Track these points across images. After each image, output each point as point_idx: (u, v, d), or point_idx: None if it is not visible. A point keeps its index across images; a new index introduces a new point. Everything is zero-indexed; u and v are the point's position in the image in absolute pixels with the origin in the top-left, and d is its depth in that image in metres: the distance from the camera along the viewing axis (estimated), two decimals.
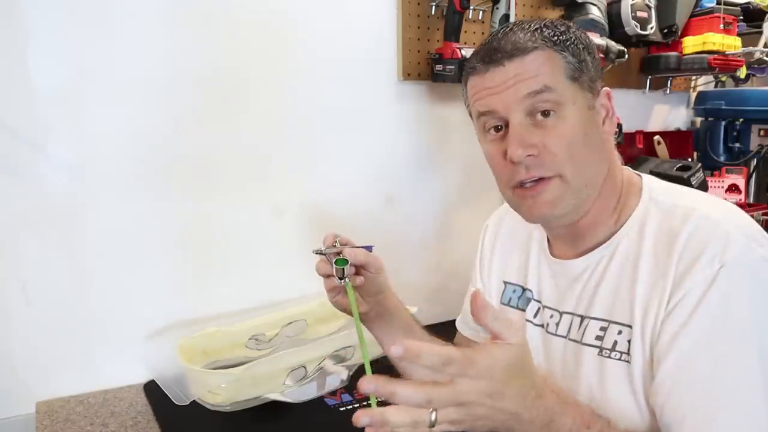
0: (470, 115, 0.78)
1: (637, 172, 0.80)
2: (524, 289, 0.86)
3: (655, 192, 0.75)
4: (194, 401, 1.00)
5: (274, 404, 1.03)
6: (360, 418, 0.51)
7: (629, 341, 0.69)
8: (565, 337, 0.78)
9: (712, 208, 0.69)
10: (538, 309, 0.83)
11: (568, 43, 0.71)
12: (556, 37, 0.71)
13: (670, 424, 0.64)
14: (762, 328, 0.63)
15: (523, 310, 0.86)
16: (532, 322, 0.84)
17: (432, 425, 0.52)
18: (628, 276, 0.71)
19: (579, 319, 0.76)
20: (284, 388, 1.04)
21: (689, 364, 0.64)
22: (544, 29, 0.71)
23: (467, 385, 0.52)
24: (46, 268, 1.09)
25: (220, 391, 0.98)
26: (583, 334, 0.75)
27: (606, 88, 0.74)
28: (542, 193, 0.71)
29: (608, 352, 0.71)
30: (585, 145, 0.70)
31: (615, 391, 0.70)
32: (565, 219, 0.74)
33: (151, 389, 1.12)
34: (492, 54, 0.71)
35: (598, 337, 0.73)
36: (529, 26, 0.72)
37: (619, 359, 0.70)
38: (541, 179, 0.71)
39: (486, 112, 0.72)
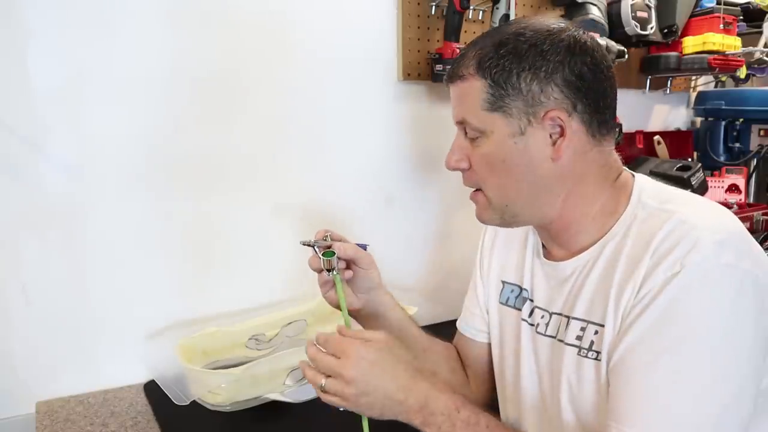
0: None
1: (632, 172, 0.79)
2: (521, 289, 0.87)
3: (645, 194, 0.74)
4: (194, 401, 1.00)
5: (274, 404, 1.03)
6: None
7: (603, 341, 0.71)
8: (554, 338, 0.79)
9: (694, 212, 0.68)
10: (532, 309, 0.84)
11: (496, 68, 0.71)
12: (488, 62, 0.71)
13: (609, 411, 0.67)
14: (710, 333, 0.63)
15: (519, 310, 0.86)
16: (527, 321, 0.85)
17: (322, 389, 0.72)
18: (607, 277, 0.72)
19: (566, 319, 0.77)
20: (284, 388, 1.04)
21: (628, 356, 0.66)
22: (487, 48, 0.72)
23: (346, 361, 0.71)
24: (46, 268, 1.09)
25: (220, 391, 0.98)
26: (566, 333, 0.76)
27: (558, 111, 0.70)
28: (475, 202, 0.80)
29: (585, 351, 0.73)
30: (504, 170, 0.74)
31: (589, 390, 0.72)
32: (501, 225, 0.81)
33: (151, 389, 1.12)
34: (449, 71, 0.78)
35: (578, 337, 0.74)
36: (477, 45, 0.74)
37: (595, 359, 0.71)
38: (474, 189, 0.79)
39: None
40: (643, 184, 0.76)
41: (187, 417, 1.00)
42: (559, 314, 0.79)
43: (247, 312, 1.26)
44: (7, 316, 1.07)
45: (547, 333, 0.80)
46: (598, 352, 0.71)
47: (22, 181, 1.05)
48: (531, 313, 0.84)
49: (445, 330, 1.00)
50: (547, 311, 0.81)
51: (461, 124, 0.76)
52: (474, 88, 0.73)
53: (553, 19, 0.75)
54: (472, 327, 0.96)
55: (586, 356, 0.72)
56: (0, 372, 1.08)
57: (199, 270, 1.22)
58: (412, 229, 1.46)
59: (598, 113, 0.73)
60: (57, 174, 1.08)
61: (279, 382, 1.04)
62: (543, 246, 0.84)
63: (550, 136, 0.72)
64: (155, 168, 1.15)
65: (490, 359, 0.94)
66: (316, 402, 1.07)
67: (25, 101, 1.04)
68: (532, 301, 0.84)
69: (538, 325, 0.82)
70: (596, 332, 0.72)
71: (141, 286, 1.16)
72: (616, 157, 0.78)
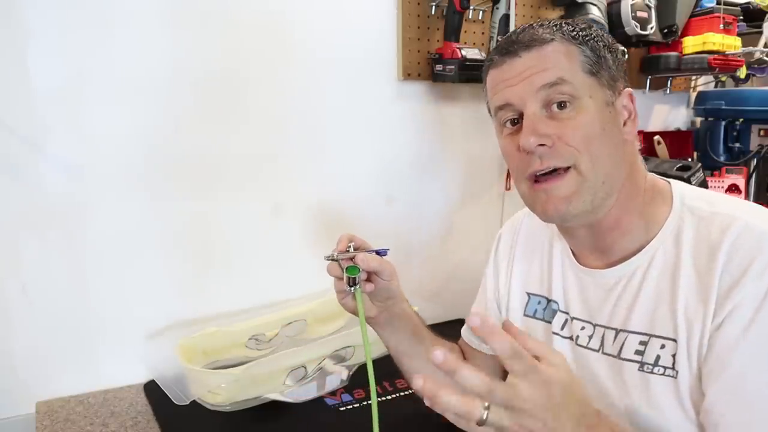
0: (489, 113, 0.77)
1: (664, 178, 0.77)
2: (549, 301, 0.83)
3: (688, 198, 0.72)
4: (194, 401, 1.00)
5: (274, 404, 1.03)
6: (416, 378, 0.50)
7: (674, 355, 0.67)
8: (598, 351, 0.75)
9: (752, 216, 0.67)
10: (566, 321, 0.80)
11: (587, 38, 0.71)
12: (575, 32, 0.71)
13: None
14: None
15: (549, 323, 0.83)
16: (559, 334, 0.81)
17: (481, 422, 0.50)
18: (667, 288, 0.69)
19: (613, 332, 0.73)
20: (284, 388, 1.04)
21: (745, 383, 0.62)
22: (564, 25, 0.72)
23: (528, 390, 0.51)
24: (46, 268, 1.09)
25: (220, 391, 0.98)
26: (621, 348, 0.72)
27: (628, 89, 0.73)
28: (557, 188, 0.69)
29: (650, 367, 0.69)
30: (602, 140, 0.69)
31: (664, 407, 0.68)
32: (580, 218, 0.71)
33: (151, 389, 1.12)
34: (509, 46, 0.71)
35: (638, 352, 0.70)
36: (549, 22, 0.73)
37: (663, 374, 0.68)
38: (556, 172, 0.69)
39: (503, 106, 0.72)
40: (681, 187, 0.75)
41: (187, 417, 1.00)
42: (605, 326, 0.74)
43: (247, 312, 1.26)
44: (8, 317, 1.07)
45: (590, 346, 0.76)
46: (666, 368, 0.68)
47: (22, 181, 1.05)
48: (564, 326, 0.80)
49: (445, 330, 1.00)
50: (590, 323, 0.76)
51: (553, 86, 0.68)
52: (569, 51, 0.69)
53: None
54: (478, 338, 0.94)
55: (652, 372, 0.69)
56: (0, 372, 1.08)
57: (199, 270, 1.22)
58: (413, 229, 1.46)
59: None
60: (57, 174, 1.08)
61: (279, 382, 1.04)
62: (572, 253, 0.80)
63: (620, 115, 0.72)
64: (155, 168, 1.15)
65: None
66: (316, 402, 1.08)
67: (25, 101, 1.04)
68: (565, 312, 0.80)
69: (578, 337, 0.78)
70: (663, 346, 0.68)
71: (141, 286, 1.16)
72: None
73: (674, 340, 0.67)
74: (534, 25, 0.73)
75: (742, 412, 0.62)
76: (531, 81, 0.69)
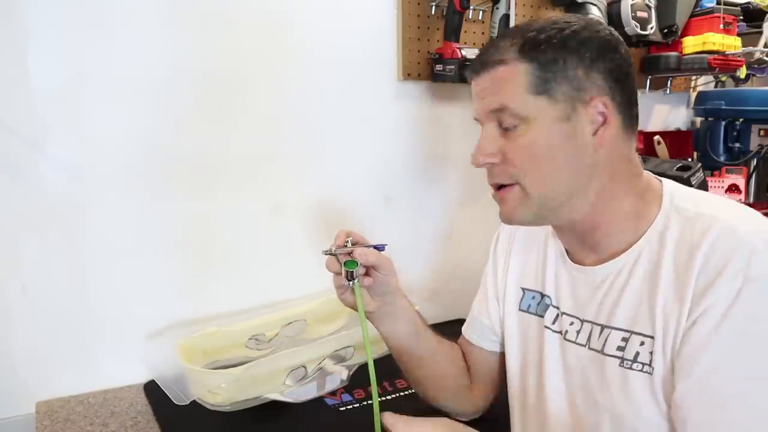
0: None
1: (658, 177, 0.78)
2: (543, 296, 0.85)
3: (677, 198, 0.73)
4: (194, 401, 1.00)
5: (274, 404, 1.03)
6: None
7: (651, 352, 0.68)
8: (585, 346, 0.77)
9: (736, 219, 0.67)
10: (557, 315, 0.82)
11: (544, 50, 0.69)
12: (533, 44, 0.70)
13: None
14: None
15: (542, 317, 0.84)
16: (550, 328, 0.82)
17: None
18: (650, 286, 0.70)
19: (599, 328, 0.75)
20: (284, 388, 1.04)
21: (713, 381, 0.63)
22: (528, 34, 0.71)
23: None
24: (46, 268, 1.09)
25: (220, 391, 0.98)
26: (604, 344, 0.74)
27: (602, 98, 0.71)
28: (504, 199, 0.75)
29: (630, 363, 0.71)
30: (549, 158, 0.71)
31: (641, 403, 0.69)
32: (533, 224, 0.78)
33: (151, 389, 1.12)
34: (475, 61, 0.76)
35: (620, 348, 0.72)
36: (512, 31, 0.74)
37: (641, 370, 0.69)
38: (502, 186, 0.74)
39: (475, 118, 0.77)
40: (672, 187, 0.75)
41: (187, 417, 1.00)
42: (592, 322, 0.76)
43: (247, 312, 1.26)
44: (8, 317, 1.07)
45: (578, 341, 0.78)
46: (644, 364, 0.69)
47: (22, 181, 1.05)
48: (555, 320, 0.82)
49: (445, 330, 1.00)
50: (578, 318, 0.78)
51: (499, 111, 0.72)
52: (518, 72, 0.70)
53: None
54: (479, 335, 0.94)
55: (631, 368, 0.70)
56: (0, 372, 1.08)
57: (199, 270, 1.22)
58: (412, 230, 1.46)
59: (630, 107, 0.74)
60: (57, 174, 1.08)
61: (279, 382, 1.04)
62: (566, 250, 0.82)
63: (592, 123, 0.71)
64: (155, 168, 1.15)
65: (495, 367, 0.93)
66: (316, 402, 1.08)
67: (25, 101, 1.04)
68: (557, 307, 0.82)
69: (566, 332, 0.80)
70: (642, 343, 0.70)
71: (141, 286, 1.16)
72: (637, 155, 0.77)
73: (652, 338, 0.69)
74: (497, 37, 0.75)
75: (711, 408, 0.63)
76: (484, 103, 0.74)
